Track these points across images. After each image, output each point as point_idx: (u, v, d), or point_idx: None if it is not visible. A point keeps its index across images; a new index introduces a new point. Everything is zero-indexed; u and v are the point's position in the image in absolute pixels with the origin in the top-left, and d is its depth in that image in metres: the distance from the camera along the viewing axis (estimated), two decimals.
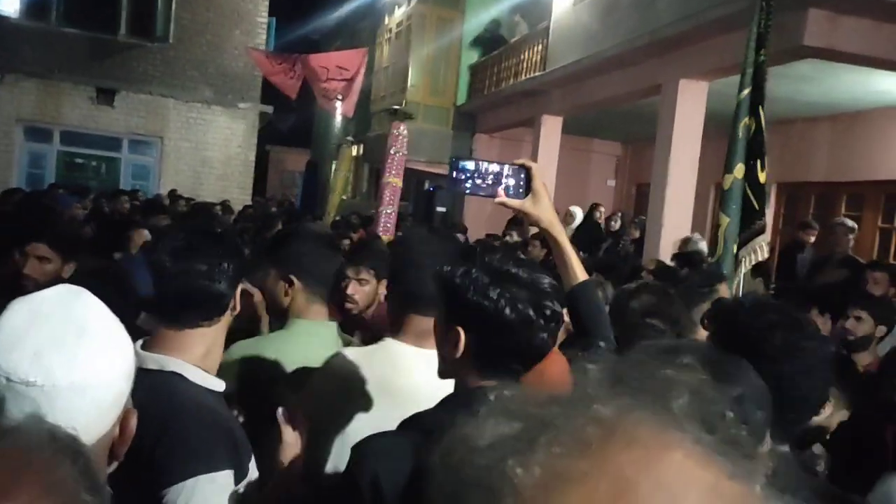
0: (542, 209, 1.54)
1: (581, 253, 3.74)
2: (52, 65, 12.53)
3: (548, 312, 1.22)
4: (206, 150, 14.02)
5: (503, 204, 1.54)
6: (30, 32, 12.37)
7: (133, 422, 1.00)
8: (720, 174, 4.40)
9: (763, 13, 4.22)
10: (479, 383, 1.26)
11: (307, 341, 1.91)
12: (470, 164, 1.52)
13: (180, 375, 1.41)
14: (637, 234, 8.42)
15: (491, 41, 13.47)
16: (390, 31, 15.60)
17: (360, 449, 1.28)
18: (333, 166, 19.33)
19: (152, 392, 1.29)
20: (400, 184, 7.14)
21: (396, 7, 15.44)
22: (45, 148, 13.35)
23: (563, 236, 1.60)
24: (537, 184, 1.53)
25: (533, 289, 1.23)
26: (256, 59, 11.73)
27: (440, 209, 11.80)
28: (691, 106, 7.37)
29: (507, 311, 1.21)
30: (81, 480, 0.66)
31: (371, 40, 15.90)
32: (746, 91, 4.24)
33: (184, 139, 13.85)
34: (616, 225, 9.38)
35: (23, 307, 0.94)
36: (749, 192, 4.22)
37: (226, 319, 1.51)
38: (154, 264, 1.47)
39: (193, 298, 1.44)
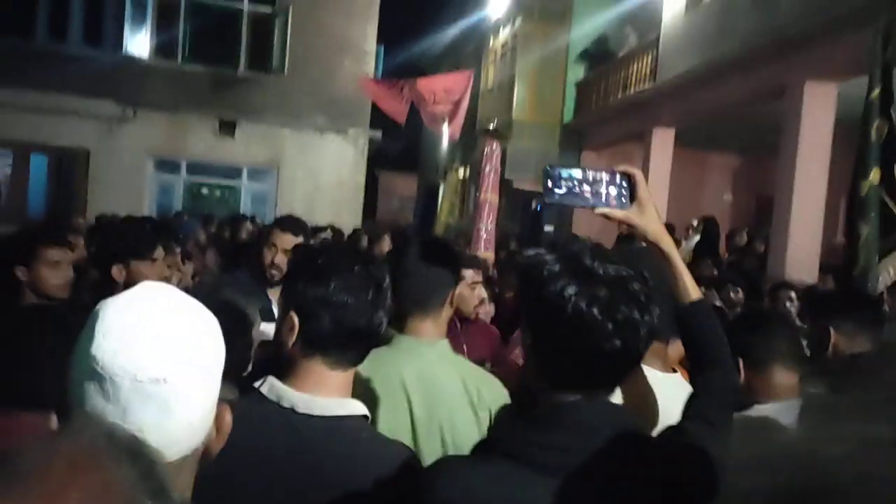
0: (648, 219, 1.37)
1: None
2: (178, 100, 13.37)
3: (619, 317, 1.08)
4: (319, 177, 14.48)
5: (605, 215, 1.38)
6: (159, 71, 13.27)
7: (229, 417, 0.95)
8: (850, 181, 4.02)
9: (892, 6, 3.84)
10: (555, 398, 1.13)
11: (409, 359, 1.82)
12: (566, 173, 1.36)
13: (364, 418, 1.34)
14: (761, 249, 7.91)
15: (598, 55, 13.22)
16: (495, 52, 15.64)
17: (434, 473, 1.16)
18: (441, 190, 19.52)
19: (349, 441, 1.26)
20: (497, 200, 7.09)
21: (501, 28, 15.48)
22: (173, 178, 14.22)
23: (672, 250, 1.40)
24: (642, 192, 1.38)
25: (611, 288, 1.09)
26: (365, 86, 12.03)
27: (548, 228, 11.60)
28: (819, 110, 6.87)
29: (569, 307, 1.08)
30: (142, 483, 0.64)
31: (476, 63, 16.00)
32: (877, 91, 3.87)
33: (298, 166, 14.37)
34: (742, 241, 8.83)
35: (120, 306, 0.89)
36: (887, 198, 3.82)
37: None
38: (328, 298, 1.32)
39: (365, 336, 1.35)
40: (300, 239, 3.14)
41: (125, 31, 12.43)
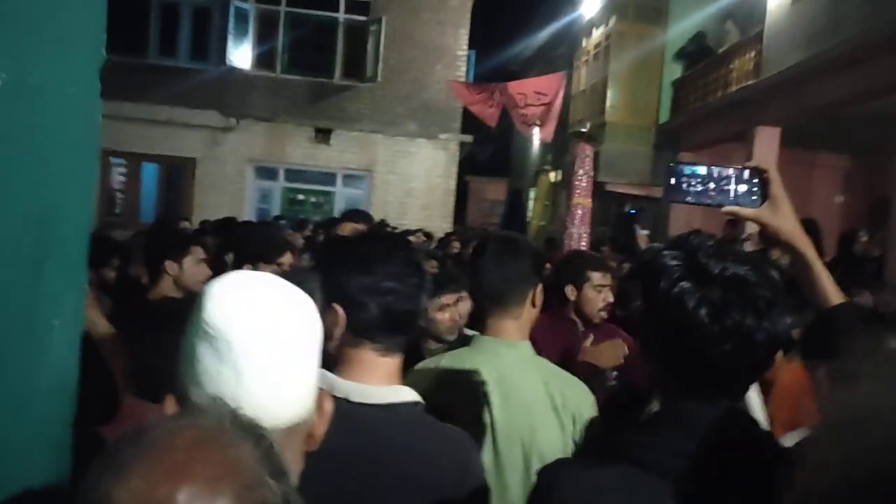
0: (783, 219, 1.27)
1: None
2: (277, 109, 13.87)
3: (728, 323, 1.01)
4: (411, 182, 14.67)
5: (734, 214, 1.30)
6: (259, 81, 13.81)
7: (329, 404, 1.00)
8: None
9: None
10: (684, 402, 1.08)
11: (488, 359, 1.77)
12: (690, 170, 1.31)
13: (417, 404, 1.34)
14: (877, 253, 7.40)
15: (696, 53, 12.76)
16: (588, 52, 15.38)
17: (553, 473, 1.11)
18: (532, 194, 19.37)
19: (418, 428, 1.27)
20: (590, 203, 6.97)
21: (594, 28, 15.21)
22: (272, 185, 14.74)
23: (810, 250, 1.28)
24: (776, 189, 1.27)
25: (725, 289, 1.02)
26: (456, 91, 12.09)
27: (643, 232, 11.27)
28: None
29: (679, 306, 1.03)
30: (264, 464, 0.67)
31: (568, 65, 15.78)
32: None
33: (390, 172, 14.61)
34: (863, 243, 8.24)
35: (230, 280, 0.94)
36: None
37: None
38: (367, 282, 1.33)
39: (412, 321, 1.36)
40: (363, 227, 3.22)
41: (228, 44, 13.02)
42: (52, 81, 0.83)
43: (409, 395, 1.33)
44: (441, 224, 14.16)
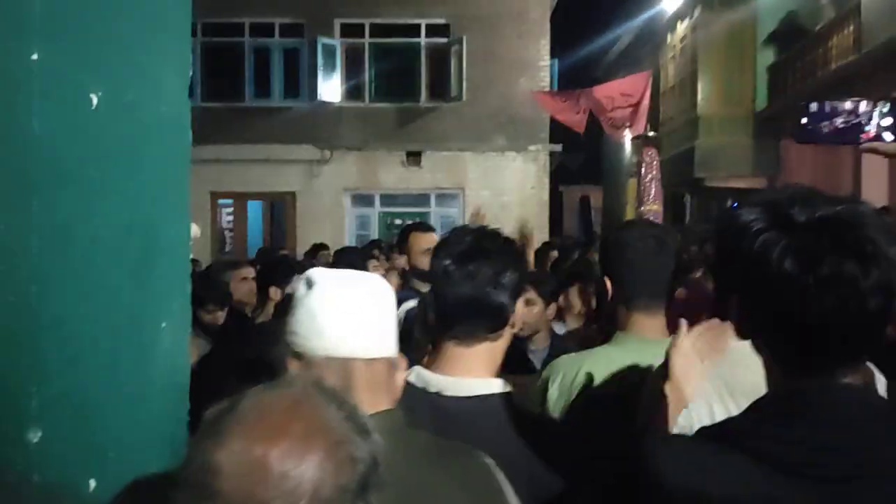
0: None
1: None
2: (367, 137, 14.27)
3: (823, 271, 0.86)
4: (503, 196, 14.68)
5: (874, 150, 1.22)
6: (349, 112, 14.28)
7: (404, 360, 1.16)
8: None
9: None
10: (786, 382, 0.94)
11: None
12: (828, 107, 1.24)
13: (509, 396, 1.33)
14: None
15: (789, 34, 12.17)
16: (674, 48, 14.99)
17: (663, 450, 1.02)
18: (626, 196, 18.95)
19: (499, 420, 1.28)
20: (660, 209, 6.77)
21: (678, 22, 14.81)
22: (369, 211, 15.15)
23: None
24: None
25: (819, 234, 0.88)
26: (542, 101, 12.04)
27: None
28: None
29: (760, 260, 0.89)
30: (350, 423, 0.73)
31: (654, 63, 15.42)
32: None
33: (483, 188, 14.68)
34: None
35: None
36: None
37: (508, 335, 1.39)
38: (436, 269, 1.37)
39: (492, 308, 1.33)
40: (433, 235, 3.27)
41: (318, 80, 13.56)
42: (145, 99, 0.92)
43: (499, 386, 1.34)
44: (538, 236, 14.02)
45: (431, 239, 3.17)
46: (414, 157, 14.60)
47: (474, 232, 1.43)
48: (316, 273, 1.10)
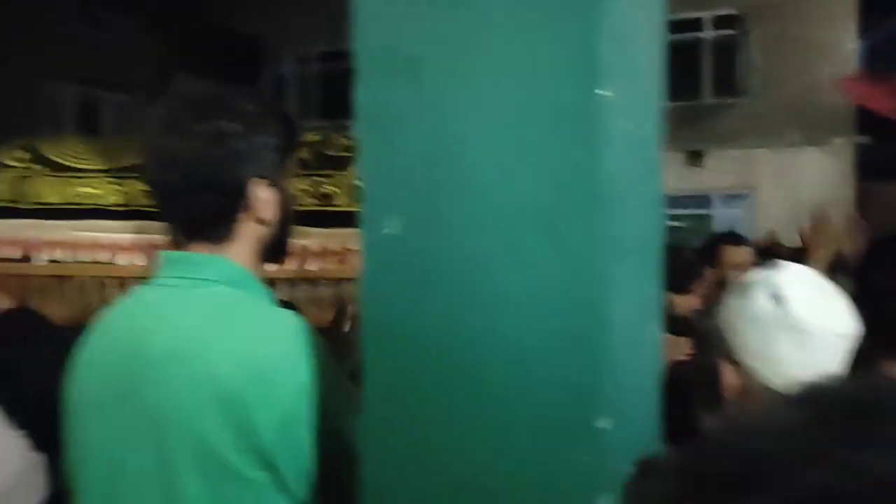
0: None
1: None
2: None
3: None
4: (798, 195, 13.57)
5: None
6: None
7: None
8: None
9: None
10: None
11: None
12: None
13: None
14: None
15: None
16: None
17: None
18: None
19: None
20: None
21: None
22: None
23: None
24: None
25: None
26: (847, 88, 11.00)
27: None
28: None
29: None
30: None
31: None
32: None
33: (774, 186, 13.77)
34: None
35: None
36: None
37: None
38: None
39: None
40: (747, 250, 2.91)
41: None
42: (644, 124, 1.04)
43: None
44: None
45: (745, 253, 2.87)
46: (695, 157, 14.07)
47: None
48: (814, 312, 1.07)
